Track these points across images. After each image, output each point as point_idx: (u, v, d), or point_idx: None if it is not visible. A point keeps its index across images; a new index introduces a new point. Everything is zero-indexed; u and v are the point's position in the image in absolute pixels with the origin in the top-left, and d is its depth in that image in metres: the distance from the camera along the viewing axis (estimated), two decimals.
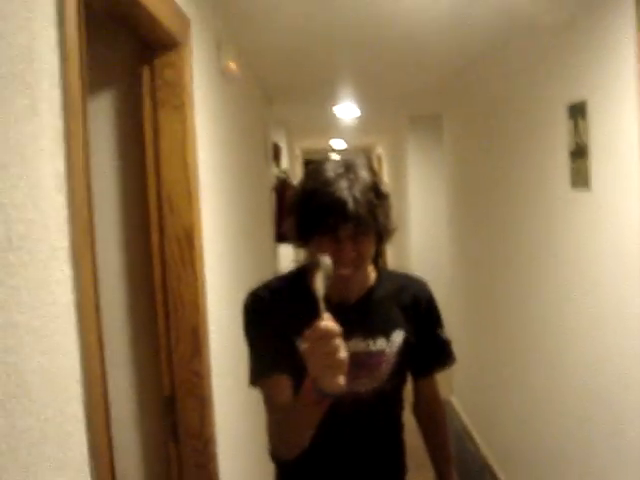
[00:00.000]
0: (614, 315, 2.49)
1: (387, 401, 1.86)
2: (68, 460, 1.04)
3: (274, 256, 5.63)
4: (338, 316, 1.43)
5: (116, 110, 1.97)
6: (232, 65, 2.87)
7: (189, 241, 1.97)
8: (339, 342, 1.32)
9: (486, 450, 4.74)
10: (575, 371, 2.94)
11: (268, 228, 4.99)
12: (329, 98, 6.30)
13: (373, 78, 5.23)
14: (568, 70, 2.83)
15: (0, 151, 0.87)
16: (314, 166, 1.71)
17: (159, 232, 1.97)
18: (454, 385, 5.98)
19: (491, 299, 4.47)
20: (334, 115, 7.38)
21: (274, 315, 1.73)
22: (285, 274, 1.88)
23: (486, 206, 4.52)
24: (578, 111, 2.69)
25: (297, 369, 1.54)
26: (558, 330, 3.12)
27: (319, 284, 1.40)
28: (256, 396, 3.15)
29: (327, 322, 1.32)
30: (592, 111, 2.58)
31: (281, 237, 5.48)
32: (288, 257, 7.35)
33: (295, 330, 1.62)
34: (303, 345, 1.41)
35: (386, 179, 11.47)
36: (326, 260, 1.45)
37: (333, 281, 1.47)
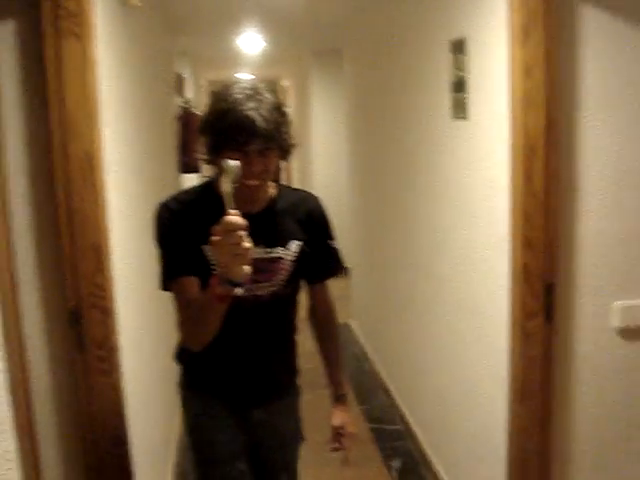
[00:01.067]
0: (484, 235, 2.76)
1: (283, 304, 2.12)
2: None
3: (178, 185, 5.73)
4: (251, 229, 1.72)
5: (18, 39, 2.05)
6: None
7: (90, 162, 2.09)
8: (244, 234, 1.52)
9: (381, 368, 5.08)
10: (449, 286, 3.24)
11: (172, 157, 5.08)
12: (234, 29, 6.34)
13: (277, 9, 5.32)
14: (450, 9, 3.03)
15: None
16: (222, 88, 1.87)
17: (63, 154, 2.08)
18: (352, 310, 6.28)
19: (384, 225, 4.74)
20: (239, 47, 7.42)
21: (183, 224, 1.91)
22: (194, 187, 2.06)
23: (379, 136, 4.76)
24: (458, 47, 2.91)
25: (205, 275, 1.77)
26: (437, 250, 3.40)
27: (226, 186, 1.61)
28: (159, 306, 3.34)
29: (233, 216, 1.51)
30: (470, 47, 2.81)
31: (185, 167, 5.57)
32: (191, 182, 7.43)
33: (204, 238, 1.72)
34: (211, 239, 1.58)
35: (292, 110, 11.58)
36: (231, 163, 1.64)
37: (239, 192, 1.68)
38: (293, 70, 10.67)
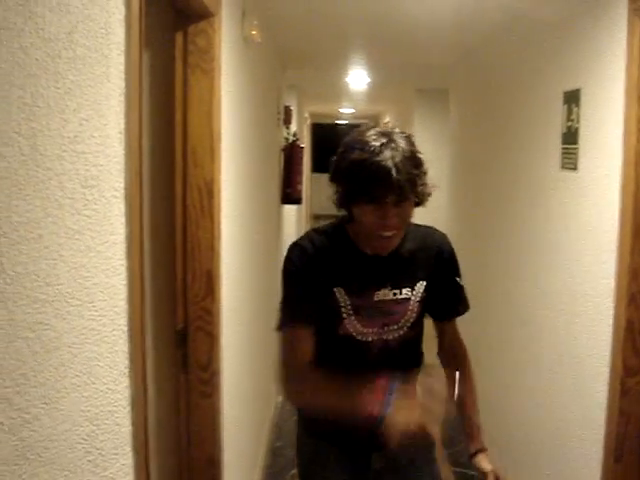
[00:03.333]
0: (589, 288, 2.73)
1: (410, 346, 2.05)
2: (113, 363, 1.29)
3: (279, 214, 5.85)
4: (372, 268, 1.89)
5: (151, 72, 2.18)
6: (254, 32, 3.08)
7: (209, 192, 2.20)
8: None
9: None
10: (549, 335, 3.19)
11: (276, 187, 5.20)
12: (341, 66, 6.46)
13: (384, 50, 5.41)
14: (566, 60, 3.03)
15: (85, 108, 1.11)
16: (356, 135, 1.82)
17: (183, 183, 2.20)
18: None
19: (484, 273, 4.71)
20: (344, 82, 7.55)
21: (317, 267, 1.88)
22: (324, 227, 2.02)
23: (483, 182, 4.75)
24: (572, 97, 2.91)
25: (333, 317, 1.86)
26: (538, 298, 3.37)
27: None
28: (260, 336, 3.42)
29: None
30: (584, 98, 2.80)
31: (288, 198, 5.69)
32: (290, 216, 7.58)
33: (335, 280, 1.87)
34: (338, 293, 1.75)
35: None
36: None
37: (373, 241, 1.78)
38: (396, 107, 10.74)
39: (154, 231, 2.21)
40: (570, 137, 2.91)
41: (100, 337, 1.21)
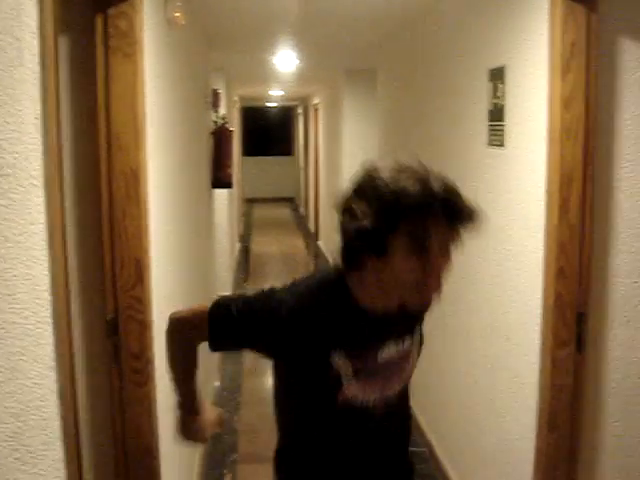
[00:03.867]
0: (517, 262, 2.78)
1: (406, 396, 1.84)
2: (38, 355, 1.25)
3: (210, 198, 5.80)
4: (379, 327, 1.60)
5: (70, 56, 2.12)
6: (178, 14, 3.02)
7: (135, 178, 2.15)
8: None
9: None
10: (480, 313, 3.25)
11: (206, 171, 5.14)
12: (268, 47, 6.41)
13: (312, 30, 5.38)
14: (491, 37, 3.07)
15: None
16: (391, 173, 1.48)
17: (108, 169, 2.14)
18: None
19: None
20: (272, 63, 7.50)
21: (309, 331, 1.58)
22: (319, 279, 1.70)
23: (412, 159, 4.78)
24: (497, 75, 2.94)
25: (328, 383, 1.58)
26: (468, 278, 3.42)
27: None
28: None
29: None
30: (509, 76, 2.83)
31: (218, 182, 5.63)
32: (222, 200, 7.53)
33: (332, 343, 1.57)
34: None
35: (323, 130, 11.65)
36: None
37: (401, 299, 1.51)
38: (325, 88, 10.74)
39: (80, 220, 2.15)
40: (496, 114, 2.95)
41: (23, 330, 1.18)
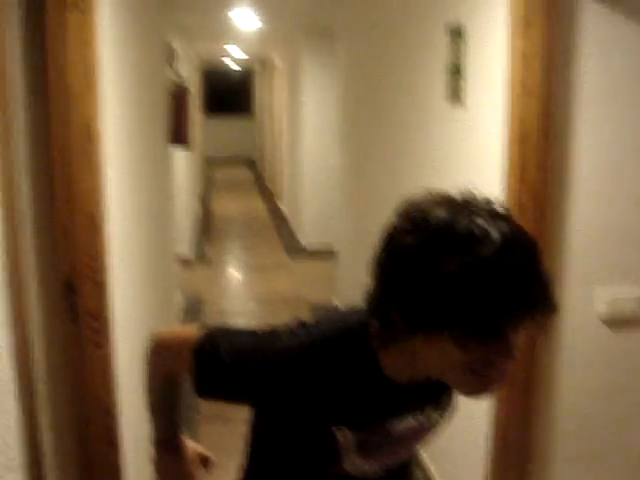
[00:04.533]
0: None
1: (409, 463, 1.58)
2: None
3: (169, 157, 5.74)
4: (401, 399, 1.29)
5: (23, 11, 2.04)
6: None
7: (89, 133, 2.10)
8: None
9: None
10: None
11: (164, 130, 5.06)
12: (228, 5, 6.33)
13: None
14: None
15: None
16: (449, 214, 1.11)
17: (61, 124, 2.08)
18: (339, 290, 6.31)
19: (373, 206, 4.76)
20: (233, 23, 7.40)
21: (314, 400, 1.27)
22: (340, 330, 1.31)
23: (372, 118, 4.77)
24: (456, 33, 2.92)
25: (322, 454, 1.33)
26: None
27: None
28: (156, 282, 3.34)
29: None
30: (468, 34, 2.82)
31: (175, 140, 5.57)
32: (182, 159, 7.46)
33: (339, 417, 1.27)
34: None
35: (283, 92, 11.56)
36: None
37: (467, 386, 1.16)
38: (286, 49, 10.63)
39: (34, 177, 2.10)
40: (456, 71, 2.94)
41: None
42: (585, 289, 2.46)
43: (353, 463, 1.33)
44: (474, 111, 2.78)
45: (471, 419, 2.86)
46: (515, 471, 2.56)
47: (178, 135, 5.52)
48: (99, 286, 2.20)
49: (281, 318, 1.50)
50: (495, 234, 1.05)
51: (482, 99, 2.70)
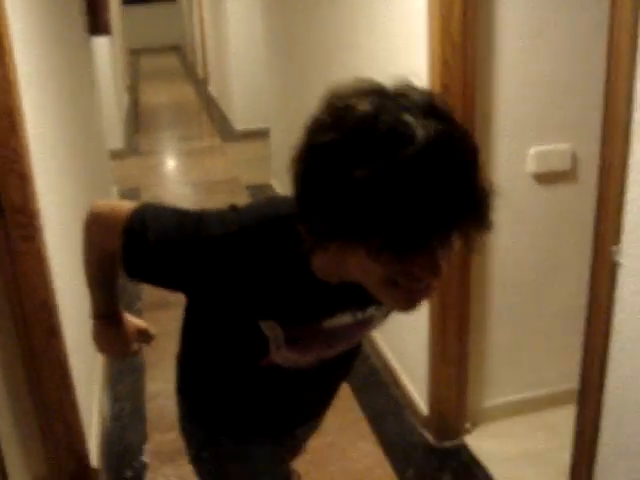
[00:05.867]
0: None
1: (353, 353, 1.60)
2: None
3: (89, 47, 5.52)
4: (332, 297, 1.22)
5: None
6: None
7: None
8: None
9: None
10: None
11: (80, 17, 4.83)
12: None
13: None
14: None
15: None
16: (390, 118, 0.94)
17: None
18: (274, 170, 6.30)
19: (303, 82, 4.70)
20: None
21: (238, 291, 1.21)
22: (270, 218, 1.20)
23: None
24: None
25: (250, 346, 1.34)
26: None
27: None
28: (85, 171, 3.27)
29: None
30: None
31: (94, 28, 5.33)
32: (103, 49, 7.22)
33: (265, 311, 1.24)
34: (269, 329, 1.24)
35: None
36: None
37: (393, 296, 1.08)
38: None
39: None
40: None
41: None
42: (514, 146, 2.51)
43: (283, 356, 1.33)
44: None
45: None
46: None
47: (96, 23, 5.29)
48: (23, 179, 2.15)
49: (218, 201, 1.47)
50: (421, 133, 0.91)
51: None
